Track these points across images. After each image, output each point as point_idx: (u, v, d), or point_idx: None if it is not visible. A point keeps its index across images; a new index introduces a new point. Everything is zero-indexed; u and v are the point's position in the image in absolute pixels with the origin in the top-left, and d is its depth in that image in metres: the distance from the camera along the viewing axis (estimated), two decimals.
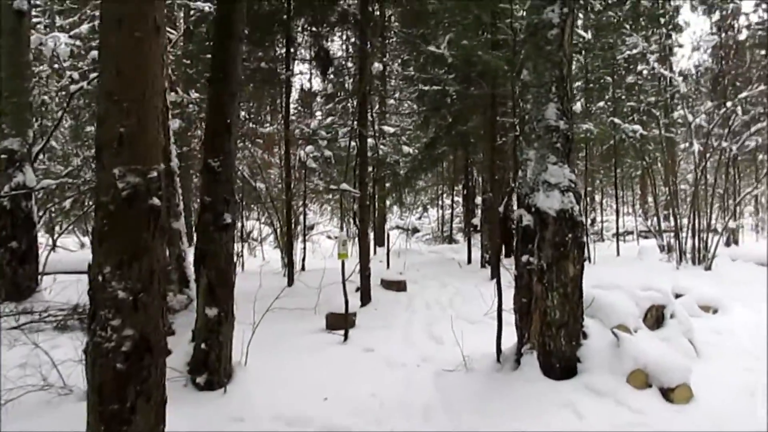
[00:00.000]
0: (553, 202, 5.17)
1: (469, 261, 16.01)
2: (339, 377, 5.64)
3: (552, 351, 5.12)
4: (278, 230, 14.55)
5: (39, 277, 8.97)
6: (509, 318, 5.65)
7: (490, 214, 14.16)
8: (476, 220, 18.52)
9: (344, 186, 9.11)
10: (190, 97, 11.70)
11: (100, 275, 2.88)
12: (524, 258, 5.31)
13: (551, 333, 5.13)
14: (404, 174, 18.25)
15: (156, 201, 2.94)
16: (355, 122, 10.35)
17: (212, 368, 4.99)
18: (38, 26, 12.57)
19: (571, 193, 5.19)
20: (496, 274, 11.38)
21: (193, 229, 8.50)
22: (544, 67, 5.33)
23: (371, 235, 14.15)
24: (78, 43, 11.89)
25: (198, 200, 5.53)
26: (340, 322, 7.50)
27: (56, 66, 12.48)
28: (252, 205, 17.02)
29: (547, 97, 5.31)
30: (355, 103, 12.73)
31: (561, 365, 5.10)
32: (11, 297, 8.41)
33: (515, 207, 5.66)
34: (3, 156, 8.59)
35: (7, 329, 7.19)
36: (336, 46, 17.31)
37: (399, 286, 11.19)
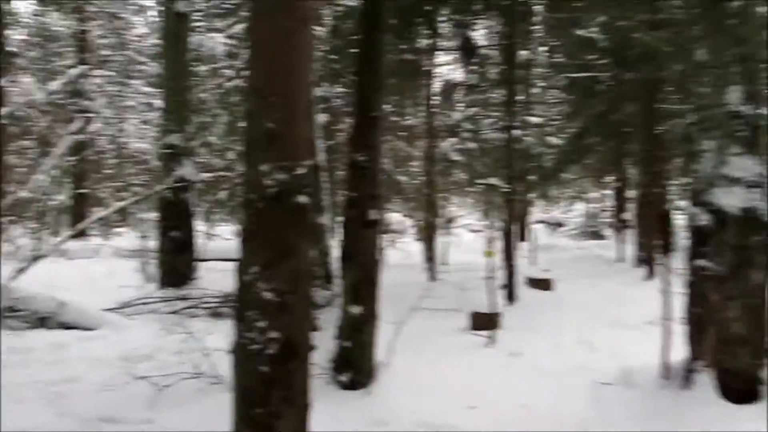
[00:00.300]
0: (735, 200, 4.52)
1: (620, 259, 14.99)
2: (485, 384, 5.34)
3: (730, 370, 4.49)
4: (420, 224, 14.44)
5: (196, 264, 9.50)
6: (674, 327, 5.06)
7: (645, 210, 13.11)
8: (627, 216, 17.31)
9: (492, 181, 8.75)
10: (335, 92, 11.86)
11: (247, 275, 2.81)
12: (698, 262, 4.69)
13: (730, 349, 4.50)
14: (550, 166, 17.44)
15: (304, 199, 2.82)
16: (502, 113, 9.95)
17: (355, 367, 4.90)
18: (198, 28, 13.32)
19: (758, 190, 4.51)
20: (653, 276, 10.52)
21: (338, 224, 8.57)
22: (725, 44, 4.66)
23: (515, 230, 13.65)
24: (233, 42, 12.45)
25: (343, 195, 5.48)
26: (485, 323, 7.18)
27: (213, 65, 13.18)
28: (394, 198, 17.10)
29: (728, 79, 4.64)
30: (499, 94, 12.27)
31: (741, 387, 4.45)
32: (170, 283, 8.96)
33: (679, 203, 5.02)
34: (166, 150, 9.17)
35: (166, 313, 7.66)
36: (480, 34, 16.86)
37: (545, 284, 10.64)
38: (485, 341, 6.77)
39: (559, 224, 27.30)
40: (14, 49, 14.58)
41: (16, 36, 15.07)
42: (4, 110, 11.29)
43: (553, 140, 17.71)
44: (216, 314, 7.89)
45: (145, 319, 7.49)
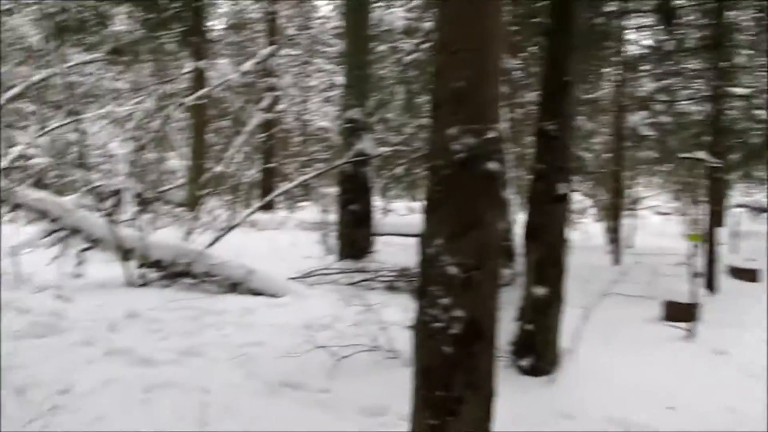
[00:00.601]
0: None
1: None
2: (685, 382, 4.74)
3: None
4: (602, 203, 13.50)
5: (373, 238, 9.63)
6: None
7: None
8: None
9: (699, 155, 7.80)
10: (515, 64, 11.37)
11: (431, 247, 2.61)
12: None
13: None
14: (757, 143, 15.41)
15: (494, 165, 2.55)
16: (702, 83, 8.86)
17: (538, 352, 4.57)
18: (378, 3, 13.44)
19: None
20: None
21: (522, 199, 8.17)
22: None
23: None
24: (412, 16, 12.40)
25: (523, 170, 5.12)
26: (681, 314, 6.44)
27: (392, 41, 13.25)
28: (576, 176, 16.19)
29: None
30: (699, 61, 10.97)
31: None
32: (349, 256, 9.16)
33: None
34: (347, 125, 9.34)
35: (345, 285, 7.83)
36: None
37: (751, 275, 9.43)
38: (683, 334, 6.06)
39: (762, 209, 24.28)
40: (213, 36, 15.78)
41: (214, 24, 16.28)
42: (203, 91, 12.28)
43: (761, 113, 15.64)
44: (392, 288, 7.92)
45: (325, 289, 7.71)
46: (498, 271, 2.72)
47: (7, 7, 13.54)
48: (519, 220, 6.91)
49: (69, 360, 4.74)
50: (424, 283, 2.65)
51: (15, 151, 11.24)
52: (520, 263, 5.42)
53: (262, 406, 4.07)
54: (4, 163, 10.61)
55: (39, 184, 13.02)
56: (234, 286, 7.30)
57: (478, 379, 2.60)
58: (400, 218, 12.80)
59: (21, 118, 14.77)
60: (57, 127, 10.98)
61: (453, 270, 2.55)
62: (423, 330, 2.63)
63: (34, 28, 14.15)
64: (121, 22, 15.36)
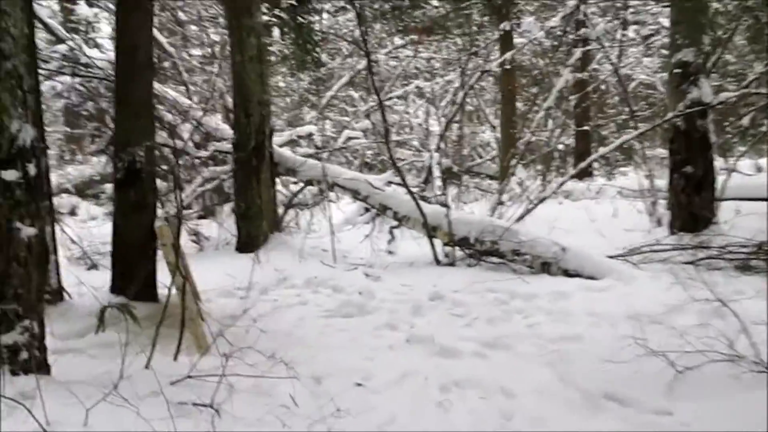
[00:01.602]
0: None
1: None
2: None
3: None
4: None
5: (716, 205, 7.88)
6: None
7: None
8: None
9: None
10: None
11: None
12: None
13: None
14: None
15: None
16: None
17: None
18: None
19: None
20: None
21: None
22: None
23: None
24: None
25: None
26: None
27: None
28: None
29: None
30: None
31: None
32: (684, 228, 7.63)
33: None
34: (676, 70, 7.73)
35: (681, 264, 6.42)
36: None
37: None
38: None
39: None
40: None
41: None
42: (509, 54, 11.62)
43: None
44: (746, 268, 6.30)
45: (655, 269, 6.43)
46: None
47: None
48: None
49: (371, 346, 4.53)
50: None
51: (343, 135, 12.15)
52: None
53: (579, 423, 3.25)
54: (337, 144, 11.49)
55: (363, 164, 13.96)
56: (545, 266, 6.52)
57: None
58: (749, 179, 10.46)
59: (348, 104, 16.03)
60: (374, 110, 11.46)
61: None
62: None
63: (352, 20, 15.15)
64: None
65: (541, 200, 8.23)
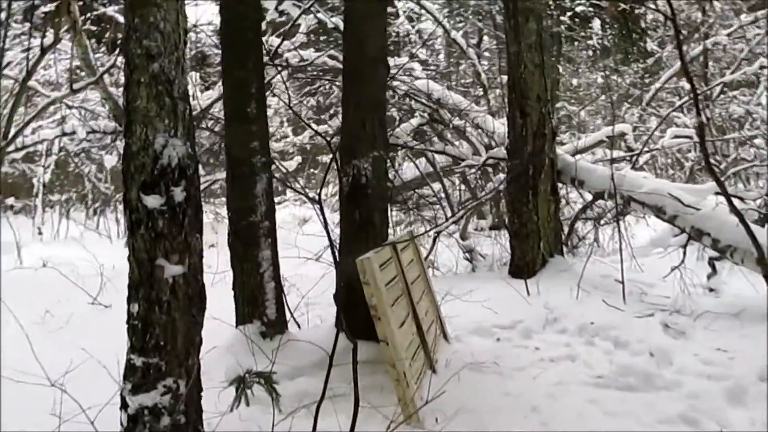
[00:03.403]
0: None
1: None
2: None
3: None
4: None
5: None
6: None
7: None
8: None
9: None
10: None
11: None
12: None
13: None
14: None
15: None
16: None
17: None
18: None
19: None
20: None
21: None
22: None
23: None
24: None
25: None
26: None
27: None
28: None
29: None
30: None
31: None
32: None
33: None
34: None
35: None
36: None
37: None
38: None
39: None
40: None
41: None
42: None
43: None
44: None
45: None
46: None
47: None
48: None
49: None
50: None
51: (668, 134, 10.25)
52: None
53: None
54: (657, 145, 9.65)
55: (692, 170, 11.48)
56: None
57: None
58: None
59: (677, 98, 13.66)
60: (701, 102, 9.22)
61: None
62: None
63: None
64: None
65: None
